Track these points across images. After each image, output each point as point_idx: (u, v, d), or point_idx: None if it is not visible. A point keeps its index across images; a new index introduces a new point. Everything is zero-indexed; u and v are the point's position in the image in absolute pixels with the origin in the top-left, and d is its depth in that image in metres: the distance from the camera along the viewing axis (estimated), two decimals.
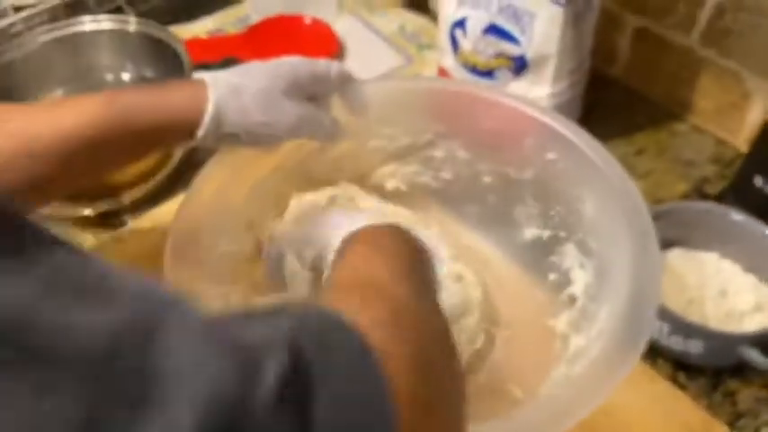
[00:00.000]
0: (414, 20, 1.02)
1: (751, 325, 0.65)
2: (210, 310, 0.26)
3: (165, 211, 0.74)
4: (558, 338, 0.60)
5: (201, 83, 0.55)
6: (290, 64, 0.58)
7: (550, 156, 0.63)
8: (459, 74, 0.82)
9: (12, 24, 0.89)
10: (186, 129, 0.55)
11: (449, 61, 0.82)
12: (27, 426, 0.18)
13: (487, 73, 0.79)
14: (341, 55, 0.97)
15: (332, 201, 0.66)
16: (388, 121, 0.68)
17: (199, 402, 0.21)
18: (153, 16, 0.93)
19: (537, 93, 0.78)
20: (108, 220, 0.77)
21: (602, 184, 0.58)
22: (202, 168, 0.61)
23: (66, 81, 0.86)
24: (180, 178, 0.80)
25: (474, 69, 0.80)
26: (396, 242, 0.47)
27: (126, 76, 0.88)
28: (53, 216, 0.77)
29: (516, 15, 0.74)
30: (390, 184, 0.71)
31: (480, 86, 0.77)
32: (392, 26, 1.02)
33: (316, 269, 0.58)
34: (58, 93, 0.86)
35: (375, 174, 0.71)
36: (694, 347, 0.63)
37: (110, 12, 0.95)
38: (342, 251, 0.48)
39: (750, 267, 0.69)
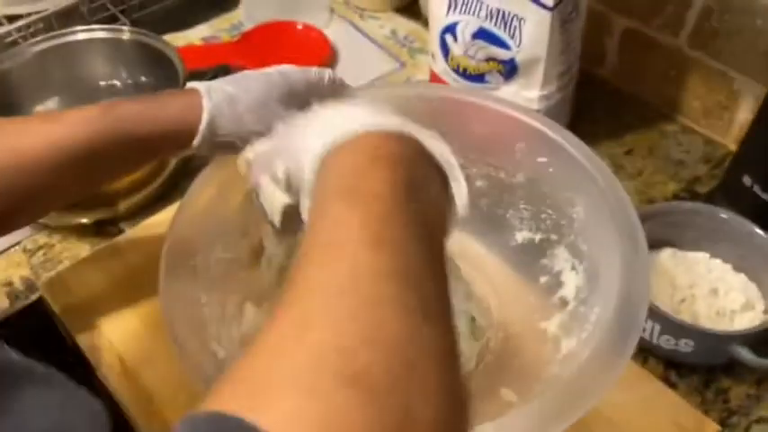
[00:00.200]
0: (405, 24, 1.03)
1: (742, 323, 0.66)
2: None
3: (162, 219, 0.75)
4: (549, 341, 0.61)
5: (196, 92, 0.56)
6: (284, 72, 0.59)
7: (541, 160, 0.64)
8: (451, 78, 0.82)
9: (5, 34, 0.90)
10: (181, 138, 0.55)
11: (440, 66, 0.83)
12: None
13: (478, 77, 0.80)
14: (333, 60, 0.98)
15: None
16: None
17: None
18: (146, 24, 0.94)
19: (527, 96, 0.79)
20: (104, 229, 0.78)
21: (591, 188, 0.59)
22: (197, 176, 0.62)
23: (60, 90, 0.86)
24: (175, 186, 0.80)
25: (465, 73, 0.81)
26: (389, 180, 0.34)
27: (120, 85, 0.89)
28: (50, 225, 0.78)
29: (505, 20, 0.74)
30: None
31: (471, 91, 0.78)
32: (384, 31, 1.02)
33: (293, 191, 0.46)
34: (53, 102, 0.86)
35: None
36: (685, 346, 0.64)
37: (103, 20, 0.95)
38: (317, 184, 0.38)
39: (740, 266, 0.70)
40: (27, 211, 0.56)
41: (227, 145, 0.57)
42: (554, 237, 0.66)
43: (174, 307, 0.53)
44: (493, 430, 0.47)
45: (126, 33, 0.85)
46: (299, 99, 0.59)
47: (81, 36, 0.85)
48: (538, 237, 0.67)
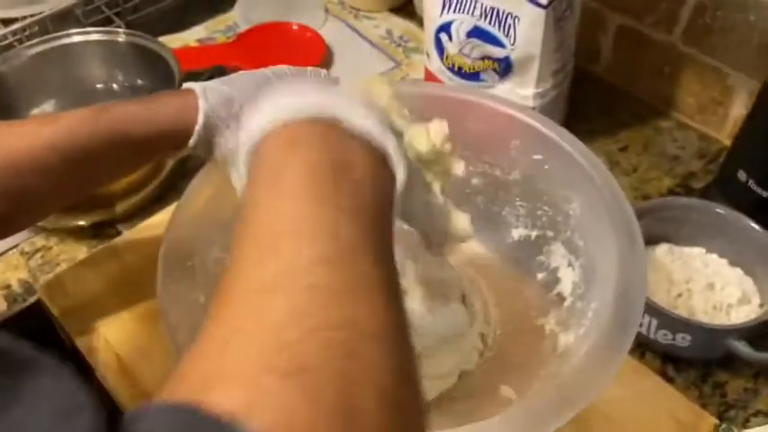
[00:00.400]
0: (400, 24, 1.03)
1: (738, 317, 0.67)
2: None
3: (159, 221, 0.75)
4: (547, 337, 0.61)
5: (191, 93, 0.56)
6: (279, 73, 0.59)
7: (536, 157, 0.64)
8: (446, 77, 0.83)
9: (1, 38, 0.90)
10: (177, 139, 0.55)
11: (435, 64, 0.83)
12: None
13: (473, 75, 0.80)
14: (329, 60, 0.98)
15: None
16: None
17: None
18: (141, 27, 0.94)
19: (522, 94, 0.79)
20: (102, 231, 0.78)
21: (586, 184, 0.59)
22: (194, 177, 0.62)
23: (56, 93, 0.86)
24: (172, 187, 0.80)
25: (460, 72, 0.81)
26: (312, 153, 0.35)
27: (116, 87, 0.89)
28: (47, 228, 0.78)
29: (500, 18, 0.75)
30: None
31: (466, 89, 0.78)
32: (379, 31, 1.02)
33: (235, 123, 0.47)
34: (49, 105, 0.86)
35: None
36: (682, 341, 0.64)
37: (98, 23, 0.95)
38: (253, 166, 0.38)
39: (736, 261, 0.70)
40: (24, 214, 0.56)
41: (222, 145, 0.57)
42: (550, 233, 0.66)
43: (173, 308, 0.53)
44: (493, 427, 0.47)
45: (121, 35, 0.85)
46: None
47: (76, 38, 0.85)
48: (534, 233, 0.68)
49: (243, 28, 1.02)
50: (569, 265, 0.63)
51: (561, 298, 0.63)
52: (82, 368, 0.67)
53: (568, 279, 0.63)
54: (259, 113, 0.38)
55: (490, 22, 0.76)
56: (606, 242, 0.56)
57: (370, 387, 0.26)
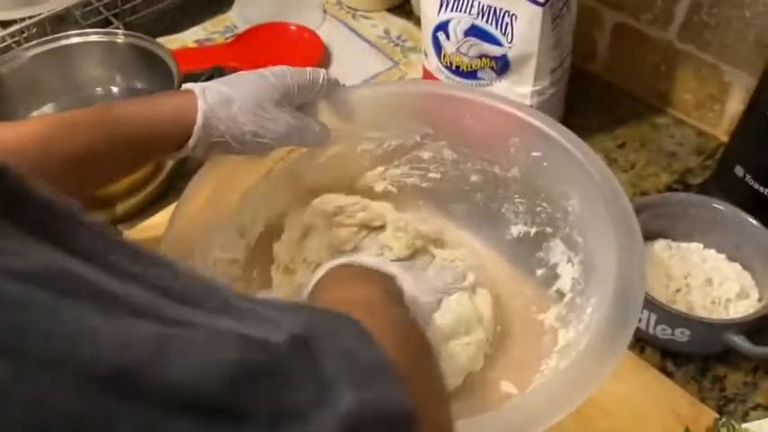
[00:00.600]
0: (398, 24, 1.04)
1: (737, 312, 0.67)
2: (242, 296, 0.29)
3: (159, 221, 0.75)
4: (547, 333, 0.62)
5: (190, 94, 0.56)
6: (278, 73, 0.59)
7: (535, 154, 0.64)
8: (444, 75, 0.83)
9: None
10: (177, 140, 0.56)
11: (433, 63, 0.84)
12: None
13: (471, 74, 0.81)
14: (327, 60, 0.98)
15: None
16: (375, 124, 0.69)
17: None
18: (139, 28, 0.94)
19: (520, 91, 0.79)
20: None
21: (585, 180, 0.60)
22: (194, 177, 0.62)
23: (56, 95, 0.87)
24: (172, 187, 0.81)
25: (458, 71, 0.81)
26: (365, 282, 0.49)
27: (115, 88, 0.89)
28: None
29: (497, 17, 0.75)
30: (379, 187, 0.73)
31: (465, 88, 0.79)
32: (377, 30, 1.03)
33: None
34: (49, 107, 0.87)
35: (364, 177, 0.72)
36: (681, 336, 0.65)
37: (97, 24, 0.96)
38: (314, 290, 0.50)
39: (734, 256, 0.71)
40: None
41: (222, 145, 0.57)
42: (549, 230, 0.66)
43: None
44: (494, 422, 0.48)
45: (120, 37, 0.85)
46: (294, 99, 0.60)
47: (75, 40, 0.85)
48: (533, 230, 0.68)
49: (241, 29, 1.02)
50: (568, 261, 0.64)
51: (561, 294, 0.63)
52: None
53: (568, 275, 0.63)
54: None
55: (487, 21, 0.76)
56: (605, 238, 0.56)
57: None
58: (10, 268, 0.21)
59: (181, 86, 0.60)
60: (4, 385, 0.19)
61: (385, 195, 0.73)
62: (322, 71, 0.61)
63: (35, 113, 0.86)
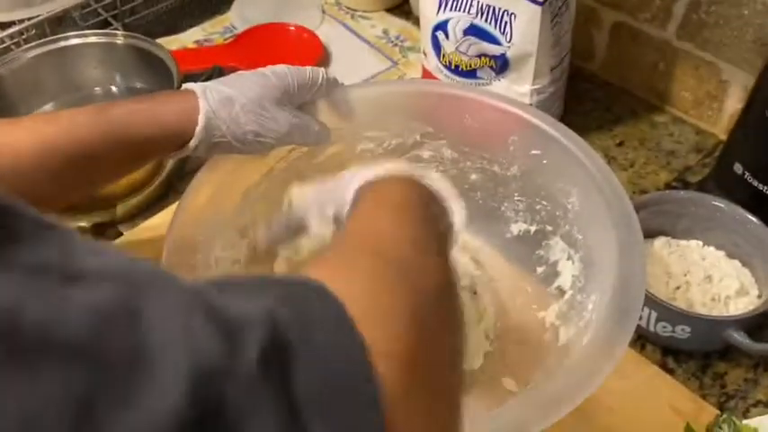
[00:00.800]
0: (396, 24, 1.04)
1: (737, 308, 0.67)
2: (195, 281, 0.27)
3: (159, 222, 0.75)
4: (548, 330, 0.62)
5: (191, 93, 0.56)
6: (278, 72, 0.59)
7: (534, 152, 0.65)
8: (443, 75, 0.83)
9: None
10: (178, 139, 0.56)
11: (432, 63, 0.84)
12: (23, 414, 0.19)
13: (470, 73, 0.81)
14: (326, 60, 0.98)
15: None
16: (375, 124, 0.69)
17: (186, 374, 0.22)
18: (138, 29, 0.95)
19: (519, 90, 0.80)
20: (102, 232, 0.78)
21: (585, 178, 0.60)
22: (195, 176, 0.62)
23: (55, 95, 0.87)
24: (172, 188, 0.81)
25: (457, 70, 0.81)
26: (406, 194, 0.45)
27: (115, 89, 0.89)
28: None
29: (496, 16, 0.75)
30: None
31: (464, 87, 0.79)
32: (375, 31, 1.03)
33: (338, 224, 0.55)
34: (48, 107, 0.87)
35: None
36: (682, 333, 0.65)
37: (95, 26, 0.96)
38: (354, 204, 0.47)
39: (733, 253, 0.71)
40: None
41: (223, 145, 0.57)
42: (549, 227, 0.66)
43: None
44: (495, 419, 0.48)
45: (119, 38, 0.86)
46: (294, 98, 0.60)
47: (75, 41, 0.85)
48: (533, 228, 0.68)
49: (240, 29, 1.02)
50: (569, 258, 0.64)
51: (561, 291, 0.63)
52: None
53: (568, 272, 0.63)
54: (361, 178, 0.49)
55: (486, 20, 0.76)
56: (605, 235, 0.56)
57: (432, 283, 0.36)
58: None
59: (181, 87, 0.60)
60: None
61: None
62: (321, 70, 0.62)
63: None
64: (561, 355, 0.57)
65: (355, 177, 0.50)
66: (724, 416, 0.60)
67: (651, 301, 0.64)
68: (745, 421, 0.60)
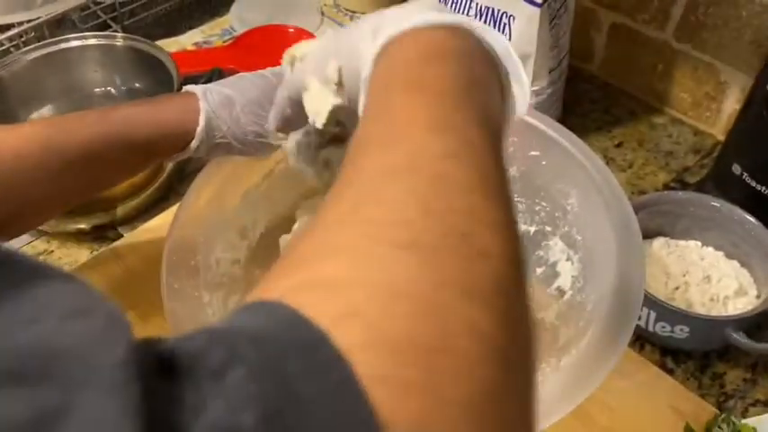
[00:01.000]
0: None
1: (735, 308, 0.67)
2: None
3: (160, 223, 0.75)
4: (548, 331, 0.62)
5: (192, 95, 0.57)
6: (279, 74, 0.59)
7: (533, 153, 0.65)
8: None
9: None
10: (179, 141, 0.56)
11: None
12: None
13: None
14: None
15: None
16: None
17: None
18: (137, 31, 0.95)
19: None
20: (103, 234, 0.78)
21: (584, 179, 0.60)
22: (197, 177, 0.62)
23: (55, 98, 0.87)
24: (172, 190, 0.81)
25: None
26: (453, 69, 0.33)
27: (115, 91, 0.89)
28: (48, 231, 0.78)
29: (495, 17, 0.76)
30: None
31: None
32: None
33: (345, 90, 0.42)
34: (48, 110, 0.87)
35: None
36: (681, 333, 0.65)
37: (95, 28, 0.96)
38: (373, 76, 0.36)
39: (732, 253, 0.71)
40: (26, 218, 0.56)
41: (224, 146, 0.57)
42: (548, 228, 0.67)
43: (177, 305, 0.53)
44: None
45: (119, 40, 0.86)
46: (295, 99, 0.60)
47: (74, 43, 0.85)
48: (532, 229, 0.68)
49: (239, 31, 1.02)
50: (568, 259, 0.64)
51: (561, 292, 0.64)
52: None
53: (567, 273, 0.63)
54: (383, 24, 0.36)
55: (485, 22, 0.76)
56: (604, 236, 0.57)
57: (481, 267, 0.25)
58: None
59: (181, 89, 0.60)
60: None
61: None
62: None
63: (34, 116, 0.86)
64: (561, 356, 0.57)
65: (370, 31, 0.37)
66: (723, 415, 0.60)
67: (650, 301, 0.64)
68: (743, 421, 0.60)
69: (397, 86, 0.33)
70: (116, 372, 0.19)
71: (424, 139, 0.29)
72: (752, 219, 0.69)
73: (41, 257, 0.77)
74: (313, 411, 0.19)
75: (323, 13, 1.06)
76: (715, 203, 0.71)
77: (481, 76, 0.35)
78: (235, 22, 1.05)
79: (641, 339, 0.68)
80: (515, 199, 0.68)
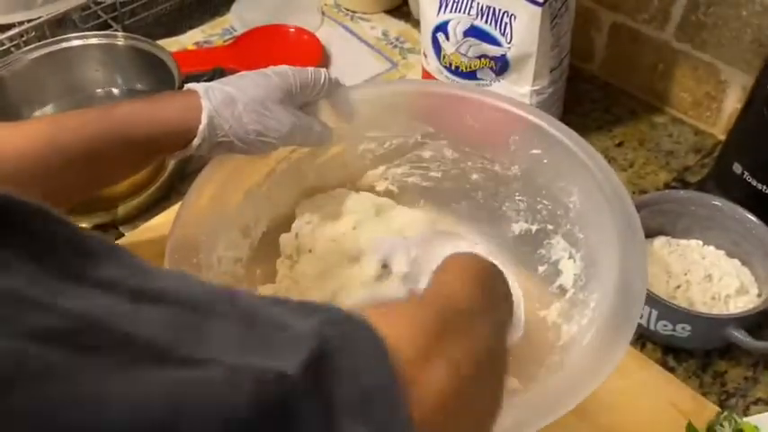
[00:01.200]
0: (396, 25, 1.04)
1: (737, 307, 0.67)
2: (251, 297, 0.29)
3: (161, 222, 0.75)
4: (550, 329, 0.62)
5: (194, 93, 0.57)
6: (281, 73, 0.60)
7: (535, 151, 0.65)
8: (443, 76, 0.83)
9: None
10: (181, 139, 0.56)
11: (432, 64, 0.84)
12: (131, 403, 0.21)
13: (470, 74, 0.81)
14: (326, 62, 0.99)
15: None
16: (376, 124, 0.70)
17: (250, 377, 0.24)
18: (138, 31, 0.95)
19: (519, 91, 0.80)
20: (104, 233, 0.78)
21: (585, 177, 0.60)
22: (197, 176, 0.62)
23: (56, 97, 0.87)
24: (173, 189, 0.81)
25: (457, 71, 0.82)
26: (486, 268, 0.46)
27: (116, 91, 0.89)
28: None
29: (496, 17, 0.76)
30: (381, 186, 0.73)
31: (464, 87, 0.79)
32: (375, 32, 1.03)
33: (410, 270, 0.62)
34: (49, 109, 0.87)
35: (366, 176, 0.73)
36: (682, 331, 0.65)
37: (95, 27, 0.96)
38: (440, 266, 0.48)
39: (733, 252, 0.71)
40: None
41: (226, 144, 0.57)
42: (550, 227, 0.67)
43: None
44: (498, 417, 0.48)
45: (120, 39, 0.86)
46: (296, 98, 0.60)
47: (75, 43, 0.85)
48: (535, 227, 0.68)
49: (239, 31, 1.02)
50: (570, 257, 0.64)
51: (563, 290, 0.64)
52: None
53: (569, 271, 0.64)
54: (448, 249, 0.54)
55: (486, 21, 0.77)
56: (606, 234, 0.57)
57: (483, 345, 0.37)
58: (34, 328, 0.21)
59: (182, 88, 0.60)
60: None
61: (386, 195, 0.73)
62: (323, 71, 0.62)
63: (36, 115, 0.86)
64: (563, 354, 0.57)
65: (447, 245, 0.58)
66: (725, 413, 0.60)
67: (652, 299, 0.64)
68: (745, 419, 0.61)
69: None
70: None
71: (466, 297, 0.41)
72: (753, 217, 0.69)
73: None
74: None
75: (323, 13, 1.06)
76: (716, 202, 0.71)
77: (500, 290, 0.46)
78: (235, 21, 1.05)
79: (643, 338, 0.68)
80: (517, 198, 0.69)
